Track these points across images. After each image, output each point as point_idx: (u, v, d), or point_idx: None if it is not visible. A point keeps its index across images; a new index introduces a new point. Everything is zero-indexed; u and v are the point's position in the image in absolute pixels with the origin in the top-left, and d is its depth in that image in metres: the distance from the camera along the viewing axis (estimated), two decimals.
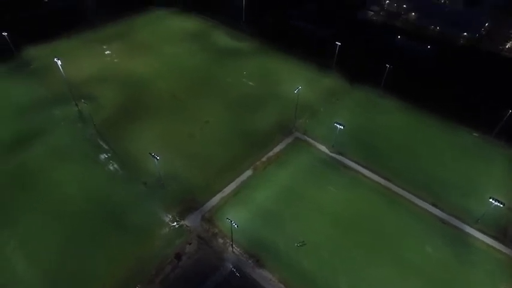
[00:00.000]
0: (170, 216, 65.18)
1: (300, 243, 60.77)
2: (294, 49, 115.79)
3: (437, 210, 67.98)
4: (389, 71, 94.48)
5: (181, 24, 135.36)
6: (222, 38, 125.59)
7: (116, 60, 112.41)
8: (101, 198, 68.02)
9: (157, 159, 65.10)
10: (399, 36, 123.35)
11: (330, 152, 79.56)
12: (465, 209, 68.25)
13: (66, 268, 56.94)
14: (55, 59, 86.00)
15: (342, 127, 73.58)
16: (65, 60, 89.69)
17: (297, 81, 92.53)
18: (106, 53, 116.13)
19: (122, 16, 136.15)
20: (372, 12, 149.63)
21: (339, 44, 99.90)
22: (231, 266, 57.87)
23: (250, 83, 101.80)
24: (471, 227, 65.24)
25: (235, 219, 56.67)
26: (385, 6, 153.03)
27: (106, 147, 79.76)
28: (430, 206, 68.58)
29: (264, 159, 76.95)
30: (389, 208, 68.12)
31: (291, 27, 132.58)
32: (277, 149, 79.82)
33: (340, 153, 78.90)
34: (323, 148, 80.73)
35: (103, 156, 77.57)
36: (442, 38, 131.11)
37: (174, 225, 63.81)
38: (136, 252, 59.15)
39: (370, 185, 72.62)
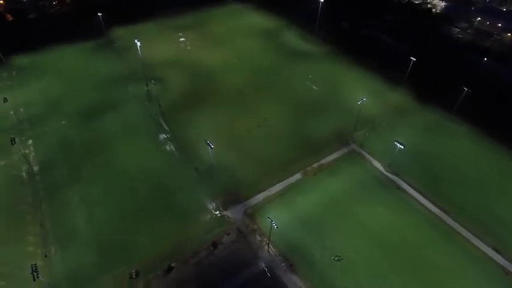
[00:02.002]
0: (214, 205, 67.20)
1: (337, 258, 58.89)
2: (365, 59, 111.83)
3: (500, 256, 61.05)
4: (467, 94, 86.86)
5: (255, 20, 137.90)
6: (294, 38, 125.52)
7: (188, 48, 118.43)
8: (156, 175, 72.38)
9: (212, 148, 67.37)
10: (486, 58, 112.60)
11: (385, 170, 75.69)
12: None
13: (115, 234, 61.91)
14: (135, 40, 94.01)
15: (403, 147, 69.39)
16: (143, 42, 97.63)
17: (363, 92, 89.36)
18: (181, 40, 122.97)
19: (200, 7, 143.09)
20: (458, 29, 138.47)
21: (414, 59, 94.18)
22: (263, 265, 58.04)
23: (314, 87, 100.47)
24: None
25: (276, 220, 56.59)
26: (475, 23, 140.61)
27: (166, 128, 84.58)
28: (491, 251, 61.82)
29: (315, 165, 75.67)
30: (441, 242, 62.87)
31: (364, 37, 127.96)
32: (330, 158, 77.96)
33: (396, 174, 74.66)
34: (378, 165, 77.06)
35: (162, 136, 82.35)
36: None
37: (216, 214, 65.64)
38: (177, 232, 62.15)
39: (424, 213, 67.69)
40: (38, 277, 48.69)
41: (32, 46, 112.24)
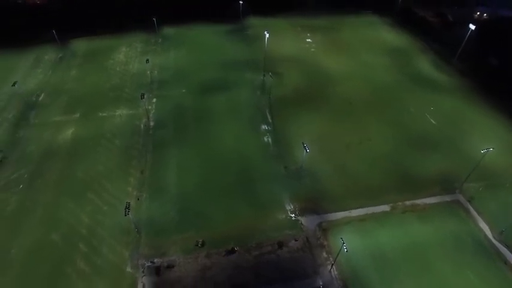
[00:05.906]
0: (292, 207, 67.11)
1: None
2: (507, 102, 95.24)
3: None
4: None
5: (389, 36, 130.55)
6: (424, 64, 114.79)
7: (312, 50, 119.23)
8: (247, 161, 75.83)
9: (307, 152, 67.09)
10: None
11: (493, 237, 64.19)
12: None
13: (196, 202, 67.35)
14: (265, 32, 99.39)
15: None
16: (272, 34, 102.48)
17: (492, 141, 76.75)
18: (307, 40, 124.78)
19: (335, 13, 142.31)
20: None
21: None
22: (320, 284, 55.83)
23: (433, 121, 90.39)
24: None
25: (348, 244, 53.43)
26: None
27: (270, 120, 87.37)
28: None
29: (408, 203, 68.83)
30: None
31: None
32: (427, 201, 69.80)
33: (507, 246, 62.69)
34: (486, 228, 65.78)
35: (264, 127, 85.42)
36: None
37: (291, 217, 65.42)
38: (250, 220, 64.21)
39: None
40: (128, 214, 56.16)
41: (179, 20, 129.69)
